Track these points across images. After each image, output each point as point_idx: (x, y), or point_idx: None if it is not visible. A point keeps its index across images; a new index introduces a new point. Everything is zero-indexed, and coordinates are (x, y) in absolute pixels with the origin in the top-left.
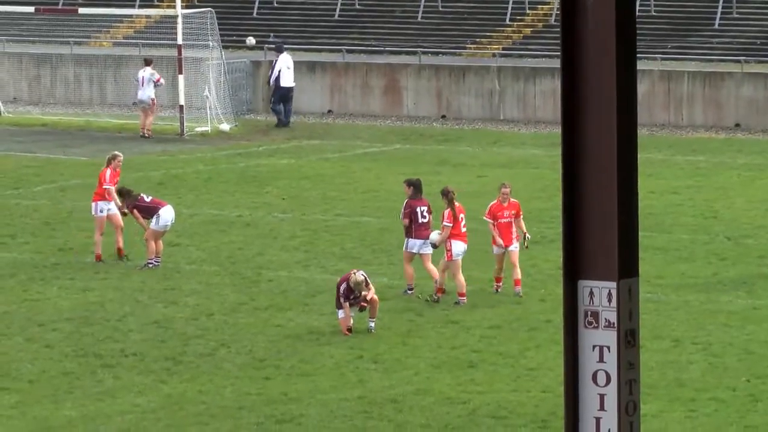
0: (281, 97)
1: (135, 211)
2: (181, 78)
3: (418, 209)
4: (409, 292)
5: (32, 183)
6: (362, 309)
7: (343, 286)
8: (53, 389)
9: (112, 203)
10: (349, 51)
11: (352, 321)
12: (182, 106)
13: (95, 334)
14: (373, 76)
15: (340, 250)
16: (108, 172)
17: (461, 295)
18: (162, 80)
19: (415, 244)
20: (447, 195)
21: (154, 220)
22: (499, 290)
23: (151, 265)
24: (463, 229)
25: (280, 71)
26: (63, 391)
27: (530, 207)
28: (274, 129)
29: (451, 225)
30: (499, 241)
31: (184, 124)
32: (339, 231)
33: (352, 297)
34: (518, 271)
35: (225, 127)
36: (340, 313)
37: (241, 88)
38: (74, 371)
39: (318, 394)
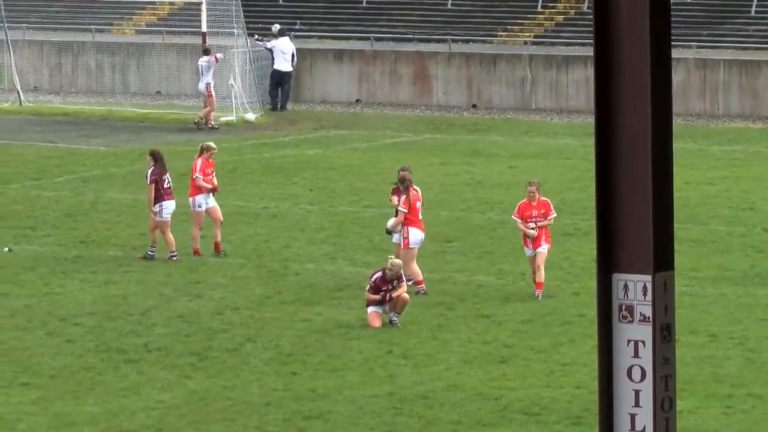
0: (275, 80)
1: (153, 186)
2: None
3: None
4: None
5: (53, 174)
6: (386, 304)
7: (377, 275)
8: (75, 385)
9: (210, 196)
10: (377, 39)
11: (382, 315)
12: None
13: (118, 328)
14: (401, 64)
15: (368, 243)
16: (200, 161)
17: (419, 283)
18: (219, 56)
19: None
20: (403, 182)
21: (156, 208)
22: (539, 296)
23: (174, 258)
24: (420, 217)
25: (273, 54)
26: (85, 387)
27: (564, 198)
28: (296, 119)
29: (406, 211)
30: (530, 232)
31: None
32: (367, 223)
33: (384, 289)
34: (542, 274)
35: (250, 116)
36: (370, 308)
37: (267, 77)
38: (96, 366)
39: (346, 390)
